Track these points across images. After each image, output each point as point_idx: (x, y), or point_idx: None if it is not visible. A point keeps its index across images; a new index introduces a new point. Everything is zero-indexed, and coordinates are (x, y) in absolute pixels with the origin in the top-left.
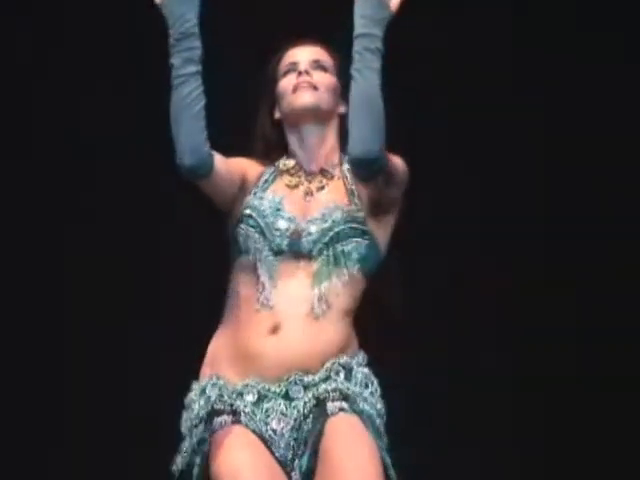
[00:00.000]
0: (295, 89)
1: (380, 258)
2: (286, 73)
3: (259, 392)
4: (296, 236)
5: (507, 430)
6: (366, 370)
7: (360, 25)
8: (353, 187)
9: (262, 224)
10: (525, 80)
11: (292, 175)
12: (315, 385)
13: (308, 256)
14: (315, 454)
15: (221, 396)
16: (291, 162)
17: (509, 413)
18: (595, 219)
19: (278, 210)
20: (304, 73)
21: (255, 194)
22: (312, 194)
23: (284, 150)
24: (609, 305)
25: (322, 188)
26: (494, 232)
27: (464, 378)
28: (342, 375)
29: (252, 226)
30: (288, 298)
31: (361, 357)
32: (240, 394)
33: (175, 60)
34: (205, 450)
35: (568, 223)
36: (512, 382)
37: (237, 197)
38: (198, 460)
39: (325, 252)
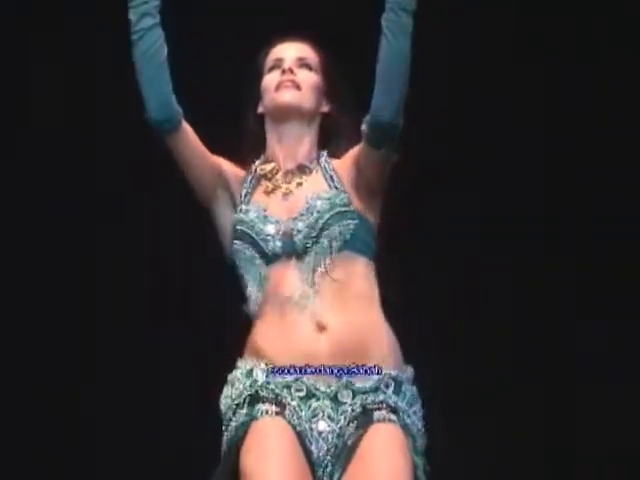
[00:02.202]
0: (278, 87)
1: (373, 233)
2: (271, 69)
3: (308, 389)
4: (287, 237)
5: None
6: (414, 388)
7: None
8: (332, 173)
9: (252, 234)
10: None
11: (269, 180)
12: (364, 393)
13: (303, 253)
14: (351, 453)
15: (268, 383)
16: (268, 166)
17: (509, 416)
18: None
19: (265, 217)
20: (288, 71)
21: (241, 210)
22: (291, 192)
23: (263, 146)
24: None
25: (301, 184)
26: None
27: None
28: (391, 389)
29: (242, 239)
30: (299, 295)
31: (409, 372)
32: (288, 387)
33: (132, 16)
34: (242, 434)
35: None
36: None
37: (215, 193)
38: (234, 443)
39: (315, 244)
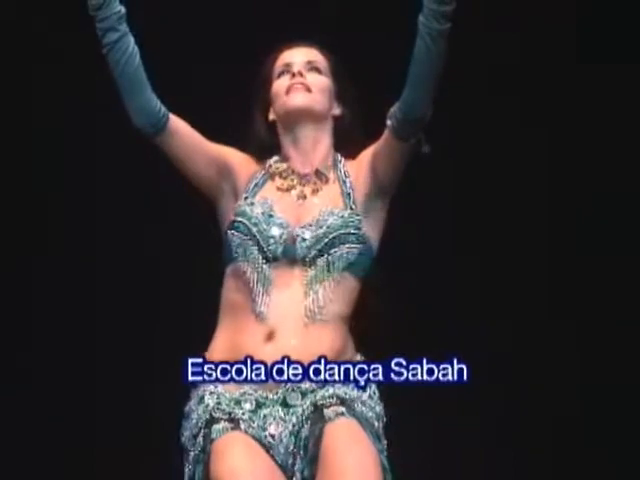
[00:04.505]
0: (288, 90)
1: (372, 260)
2: (280, 75)
3: (257, 400)
4: (290, 242)
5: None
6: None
7: None
8: (350, 191)
9: (254, 231)
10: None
11: (284, 178)
12: (312, 392)
13: (302, 262)
14: (314, 459)
15: (219, 404)
16: (283, 165)
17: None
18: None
19: (270, 217)
20: (298, 75)
21: (246, 199)
22: (305, 197)
23: (277, 152)
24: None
25: (316, 192)
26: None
27: None
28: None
29: (244, 234)
30: (282, 305)
31: (357, 357)
32: (238, 402)
33: (98, 31)
34: (205, 459)
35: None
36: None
37: (220, 186)
38: (200, 469)
39: (319, 258)
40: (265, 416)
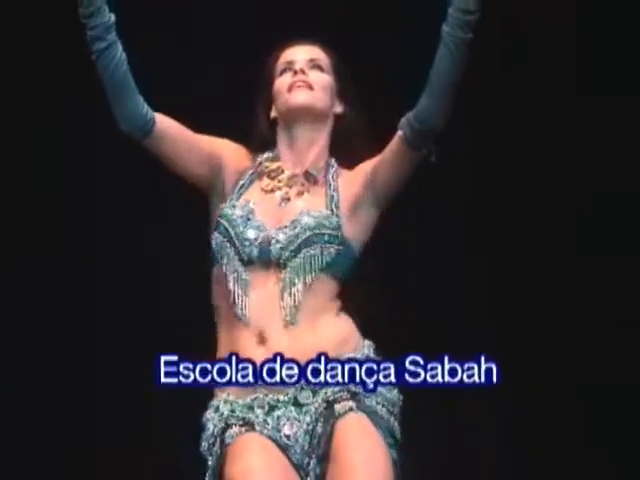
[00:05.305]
0: (290, 88)
1: (353, 261)
2: (282, 72)
3: (269, 403)
4: (266, 244)
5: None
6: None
7: None
8: (333, 194)
9: (232, 234)
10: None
11: (272, 179)
12: (322, 388)
13: (277, 264)
14: (326, 455)
15: (233, 411)
16: (274, 164)
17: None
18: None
19: (249, 219)
20: (300, 72)
21: (230, 200)
22: (289, 200)
23: (274, 148)
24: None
25: (302, 194)
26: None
27: None
28: None
29: (224, 235)
30: (261, 308)
31: (366, 348)
32: (250, 407)
33: (87, 38)
34: (221, 463)
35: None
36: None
37: (213, 183)
38: (218, 476)
39: (293, 259)
40: (279, 417)
